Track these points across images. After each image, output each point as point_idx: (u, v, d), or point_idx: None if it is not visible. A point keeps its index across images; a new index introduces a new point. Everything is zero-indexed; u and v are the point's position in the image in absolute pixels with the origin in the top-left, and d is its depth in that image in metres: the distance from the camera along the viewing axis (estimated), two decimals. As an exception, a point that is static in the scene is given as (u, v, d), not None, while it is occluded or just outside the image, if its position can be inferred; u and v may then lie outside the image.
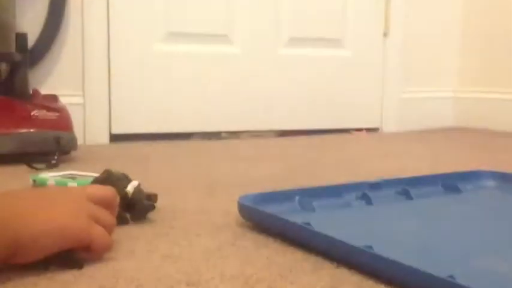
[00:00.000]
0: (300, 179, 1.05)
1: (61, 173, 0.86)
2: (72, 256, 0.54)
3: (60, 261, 0.53)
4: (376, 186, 0.81)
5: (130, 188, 0.70)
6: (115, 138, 1.63)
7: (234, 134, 1.76)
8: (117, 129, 1.63)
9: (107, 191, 0.61)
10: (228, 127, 1.75)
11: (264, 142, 1.68)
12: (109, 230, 0.57)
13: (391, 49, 1.96)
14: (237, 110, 1.76)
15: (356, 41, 1.90)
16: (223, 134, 1.74)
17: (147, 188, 0.74)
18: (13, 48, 1.28)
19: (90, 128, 1.59)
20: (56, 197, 0.57)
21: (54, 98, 1.33)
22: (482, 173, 0.93)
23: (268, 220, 0.66)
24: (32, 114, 1.20)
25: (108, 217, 0.58)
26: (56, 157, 1.14)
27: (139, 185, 0.71)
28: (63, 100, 1.36)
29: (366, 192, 0.79)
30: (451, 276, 0.46)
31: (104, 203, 0.59)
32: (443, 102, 2.09)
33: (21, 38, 1.33)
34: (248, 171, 1.14)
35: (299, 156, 1.38)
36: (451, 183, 0.87)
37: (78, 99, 1.58)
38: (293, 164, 1.24)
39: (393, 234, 0.65)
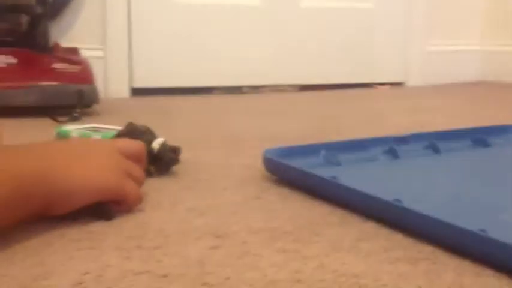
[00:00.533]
0: (324, 133, 1.04)
1: (84, 126, 0.86)
2: (102, 208, 0.54)
3: (90, 212, 0.53)
4: (403, 140, 0.79)
5: (155, 145, 0.69)
6: (135, 92, 1.62)
7: (255, 89, 1.74)
8: (138, 83, 1.63)
9: (138, 146, 0.61)
10: (249, 81, 1.73)
11: (286, 96, 1.66)
12: (139, 183, 0.57)
13: (416, 1, 1.90)
14: (258, 64, 1.74)
15: (380, -8, 1.85)
16: (244, 89, 1.73)
17: (170, 141, 0.73)
18: (33, 1, 1.27)
19: (110, 81, 1.59)
20: (89, 150, 0.56)
21: (75, 51, 1.33)
22: (511, 127, 0.90)
23: (294, 174, 0.65)
24: (53, 67, 1.20)
25: (139, 171, 0.58)
26: (78, 110, 1.14)
27: (165, 141, 0.70)
28: (84, 53, 1.35)
29: (393, 146, 0.77)
30: (483, 230, 0.46)
31: (135, 157, 0.59)
32: (469, 55, 2.04)
33: (41, -10, 1.31)
34: (271, 125, 1.13)
35: (322, 111, 1.36)
36: (479, 137, 0.85)
37: (99, 53, 1.57)
38: (316, 119, 1.23)
39: (421, 189, 0.64)
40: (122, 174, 0.55)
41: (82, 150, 0.56)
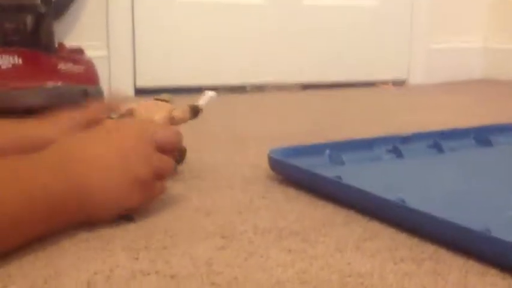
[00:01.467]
0: (328, 132, 1.04)
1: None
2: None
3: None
4: (406, 139, 0.80)
5: None
6: (139, 91, 1.63)
7: (259, 88, 1.74)
8: (142, 83, 1.63)
9: (176, 138, 0.59)
10: (252, 80, 1.74)
11: (289, 95, 1.66)
12: (167, 176, 0.57)
13: (420, -2, 1.90)
14: (261, 62, 1.74)
15: (384, -10, 1.85)
16: (247, 88, 1.73)
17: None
18: (38, 0, 1.27)
19: (114, 81, 1.59)
20: (125, 142, 0.54)
21: (80, 51, 1.33)
22: (514, 126, 0.91)
23: (300, 174, 0.66)
24: (58, 67, 1.20)
25: (170, 166, 0.57)
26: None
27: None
28: (87, 53, 1.36)
29: (397, 145, 0.78)
30: (487, 229, 0.46)
31: (170, 149, 0.58)
32: (472, 53, 2.04)
33: (46, -11, 1.32)
34: (275, 125, 1.14)
35: (326, 110, 1.36)
36: (483, 136, 0.85)
37: (103, 52, 1.57)
38: (320, 118, 1.23)
39: (425, 188, 0.65)
40: (152, 178, 0.54)
41: (119, 143, 0.54)
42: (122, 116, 0.67)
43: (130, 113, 0.67)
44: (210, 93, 0.73)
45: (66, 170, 0.50)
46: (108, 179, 0.52)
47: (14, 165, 0.49)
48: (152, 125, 0.59)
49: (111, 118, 0.67)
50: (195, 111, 0.71)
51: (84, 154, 0.53)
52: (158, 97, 0.70)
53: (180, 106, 0.72)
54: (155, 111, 0.67)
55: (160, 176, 0.56)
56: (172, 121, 0.68)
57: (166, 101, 0.70)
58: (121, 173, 0.52)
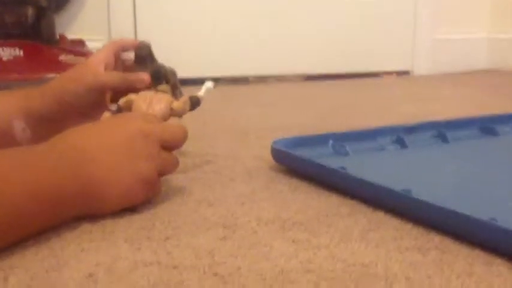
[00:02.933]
0: (331, 123, 1.04)
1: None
2: None
3: None
4: (411, 129, 0.79)
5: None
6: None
7: (261, 79, 1.73)
8: (144, 75, 1.63)
9: (182, 136, 0.58)
10: (255, 72, 1.73)
11: (292, 86, 1.66)
12: (171, 173, 0.58)
13: (423, -12, 1.89)
14: (263, 54, 1.73)
15: (387, -20, 1.84)
16: (250, 79, 1.72)
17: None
18: (38, -7, 1.27)
19: (117, 73, 1.59)
20: (133, 141, 0.53)
21: (81, 42, 1.33)
22: (519, 115, 0.90)
23: (303, 164, 0.65)
24: (59, 58, 1.20)
25: (174, 162, 0.57)
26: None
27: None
28: (89, 45, 1.35)
29: (401, 135, 0.77)
30: (493, 219, 0.46)
31: (175, 148, 0.58)
32: (476, 43, 2.02)
33: (46, -18, 1.31)
34: (278, 116, 1.13)
35: (329, 101, 1.36)
36: (487, 126, 0.85)
37: (104, 44, 1.57)
38: (323, 109, 1.22)
39: (430, 178, 0.64)
40: (156, 176, 0.54)
41: (126, 149, 0.53)
42: (120, 108, 0.67)
43: (129, 105, 0.66)
44: (208, 84, 0.72)
45: (72, 164, 0.50)
46: (115, 176, 0.51)
47: (18, 157, 0.48)
48: (159, 124, 0.58)
49: (110, 110, 0.67)
50: (195, 102, 0.71)
51: (91, 150, 0.52)
52: (157, 88, 0.70)
53: (180, 97, 0.71)
54: (154, 102, 0.66)
55: (164, 173, 0.56)
56: (172, 112, 0.67)
57: (166, 92, 0.70)
58: (127, 172, 0.52)
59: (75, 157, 0.50)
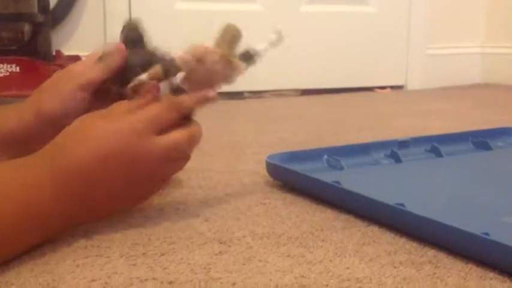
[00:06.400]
0: (326, 138, 1.04)
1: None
2: None
3: None
4: (404, 144, 0.80)
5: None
6: (138, 98, 1.63)
7: (257, 94, 1.74)
8: (140, 90, 1.63)
9: (197, 141, 0.57)
10: (250, 87, 1.74)
11: (287, 101, 1.66)
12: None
13: (417, 4, 1.91)
14: (259, 69, 1.74)
15: (380, -4, 1.86)
16: (245, 94, 1.73)
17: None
18: (35, 9, 1.28)
19: (113, 88, 1.59)
20: (136, 168, 0.51)
21: (77, 58, 1.33)
22: (512, 130, 0.91)
23: (298, 179, 0.66)
24: (56, 75, 1.20)
25: (176, 170, 0.57)
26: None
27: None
28: (86, 61, 1.36)
29: (395, 150, 0.78)
30: (486, 233, 0.46)
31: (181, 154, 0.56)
32: (470, 58, 2.04)
33: (43, -2, 1.32)
34: (273, 131, 1.14)
35: (323, 115, 1.36)
36: (481, 140, 0.85)
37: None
38: (318, 123, 1.23)
39: (424, 192, 0.65)
40: (160, 185, 0.56)
41: (128, 165, 0.51)
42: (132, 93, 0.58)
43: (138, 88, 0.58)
44: (273, 36, 0.61)
45: (66, 183, 0.48)
46: (111, 200, 0.52)
47: (8, 172, 0.48)
48: (149, 110, 0.54)
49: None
50: (249, 58, 0.62)
51: (88, 169, 0.49)
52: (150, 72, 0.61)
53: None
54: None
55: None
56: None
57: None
58: (125, 196, 0.53)
59: (73, 179, 0.49)
